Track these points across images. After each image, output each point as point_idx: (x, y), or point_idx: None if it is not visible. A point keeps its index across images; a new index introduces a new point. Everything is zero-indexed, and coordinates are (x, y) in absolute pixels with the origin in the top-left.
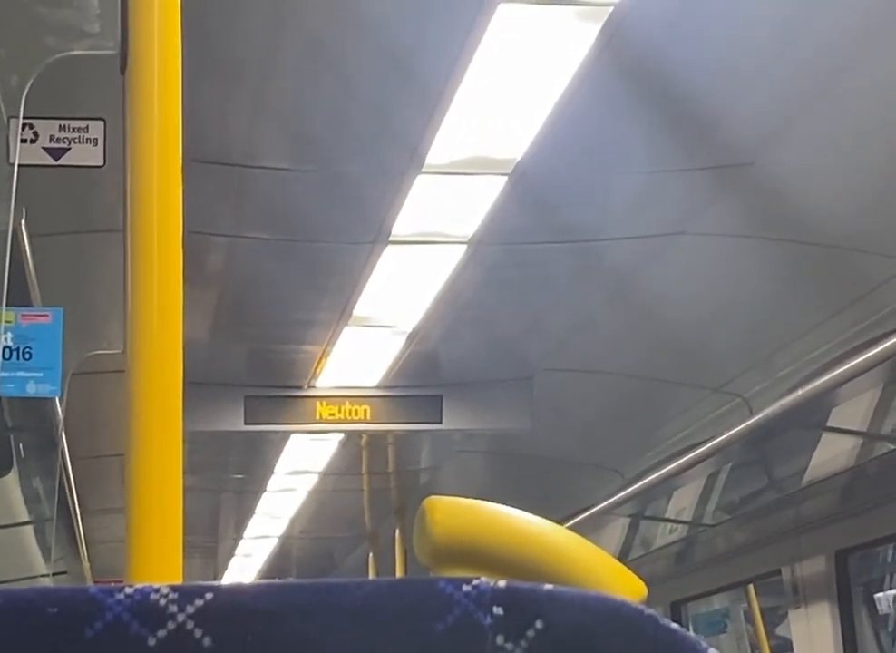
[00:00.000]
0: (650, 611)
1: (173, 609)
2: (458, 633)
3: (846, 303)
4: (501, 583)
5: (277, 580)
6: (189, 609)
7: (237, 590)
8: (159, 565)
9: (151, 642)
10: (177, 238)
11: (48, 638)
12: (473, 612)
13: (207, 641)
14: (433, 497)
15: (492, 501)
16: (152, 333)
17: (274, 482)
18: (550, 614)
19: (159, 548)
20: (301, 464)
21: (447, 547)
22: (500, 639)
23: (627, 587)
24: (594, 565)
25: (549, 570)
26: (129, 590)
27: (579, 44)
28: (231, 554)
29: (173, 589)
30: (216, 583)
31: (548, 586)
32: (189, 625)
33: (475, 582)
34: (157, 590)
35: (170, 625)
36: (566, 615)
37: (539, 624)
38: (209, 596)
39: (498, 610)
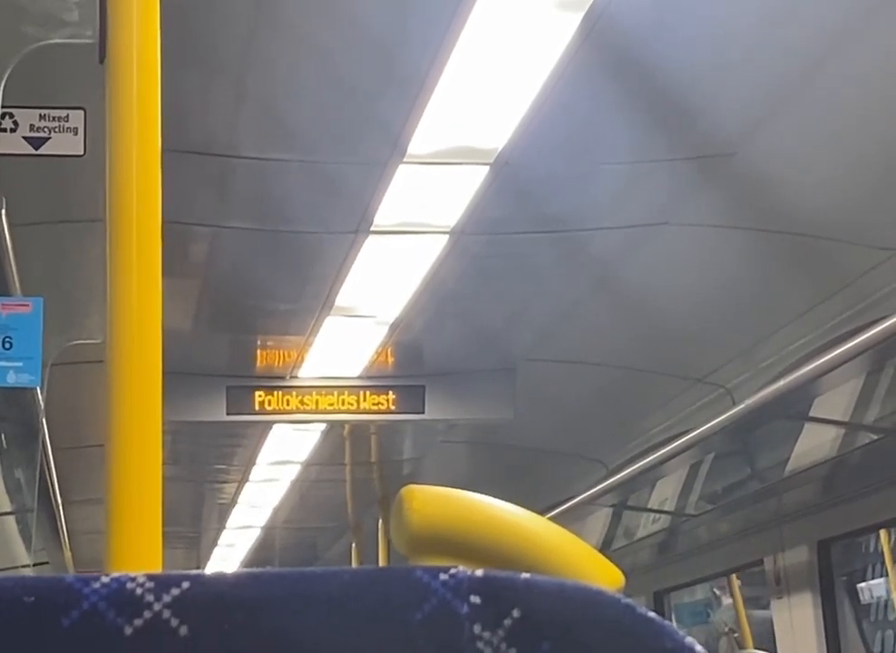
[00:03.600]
0: (628, 600)
1: (150, 598)
2: (435, 622)
3: (829, 293)
4: (479, 572)
5: (254, 570)
6: (166, 598)
7: (214, 580)
8: (138, 556)
9: (128, 631)
10: (156, 229)
11: (24, 626)
12: (450, 601)
13: (183, 630)
14: (411, 486)
15: (475, 491)
16: (132, 323)
17: (256, 473)
18: (528, 603)
19: (138, 539)
20: (284, 454)
21: (424, 536)
22: (477, 628)
23: (605, 576)
24: (572, 554)
25: (526, 559)
26: (105, 579)
27: (560, 34)
28: (214, 544)
29: (150, 578)
30: (193, 572)
31: (525, 575)
32: (166, 614)
33: (452, 571)
34: (133, 579)
35: (147, 614)
36: (543, 604)
37: (516, 613)
38: (185, 585)
39: (475, 599)
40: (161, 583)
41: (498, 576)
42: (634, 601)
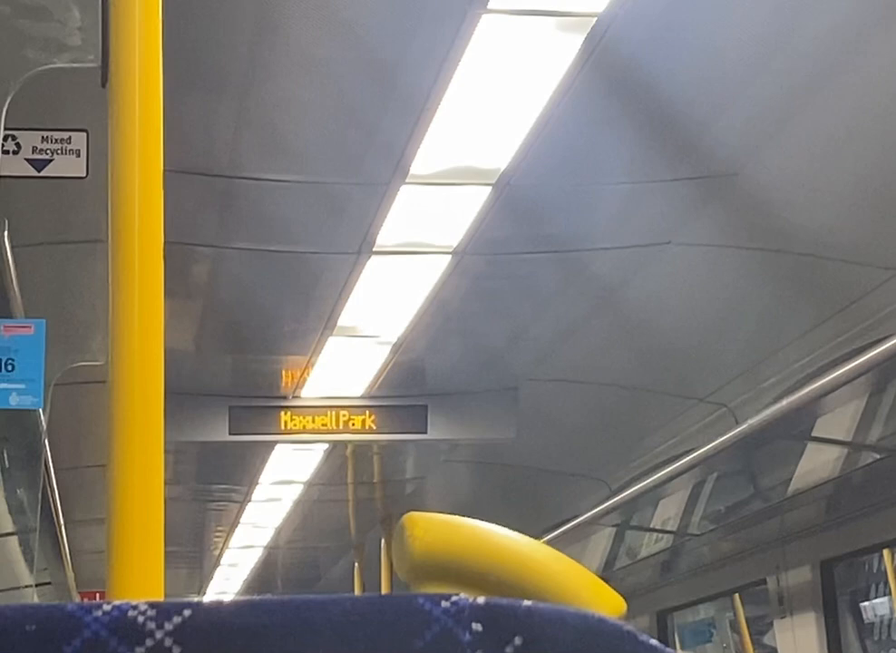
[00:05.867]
0: (629, 627)
1: (151, 626)
2: (437, 650)
3: (831, 313)
4: (481, 600)
5: (255, 597)
6: (168, 627)
7: (215, 608)
8: (140, 577)
9: None
10: (158, 250)
11: None
12: (452, 628)
13: None
14: (412, 513)
15: (478, 512)
16: (134, 343)
17: (259, 493)
18: (529, 630)
19: (140, 559)
20: (286, 474)
21: (426, 563)
22: None
23: (606, 602)
24: (573, 581)
25: (527, 586)
26: (107, 607)
27: (562, 55)
28: (217, 564)
29: (151, 606)
30: (194, 600)
31: (527, 602)
32: (168, 642)
33: (454, 599)
34: (135, 607)
35: (149, 642)
36: (545, 631)
37: (517, 640)
38: (187, 613)
39: (477, 627)
40: (163, 611)
41: (500, 603)
42: (635, 627)
